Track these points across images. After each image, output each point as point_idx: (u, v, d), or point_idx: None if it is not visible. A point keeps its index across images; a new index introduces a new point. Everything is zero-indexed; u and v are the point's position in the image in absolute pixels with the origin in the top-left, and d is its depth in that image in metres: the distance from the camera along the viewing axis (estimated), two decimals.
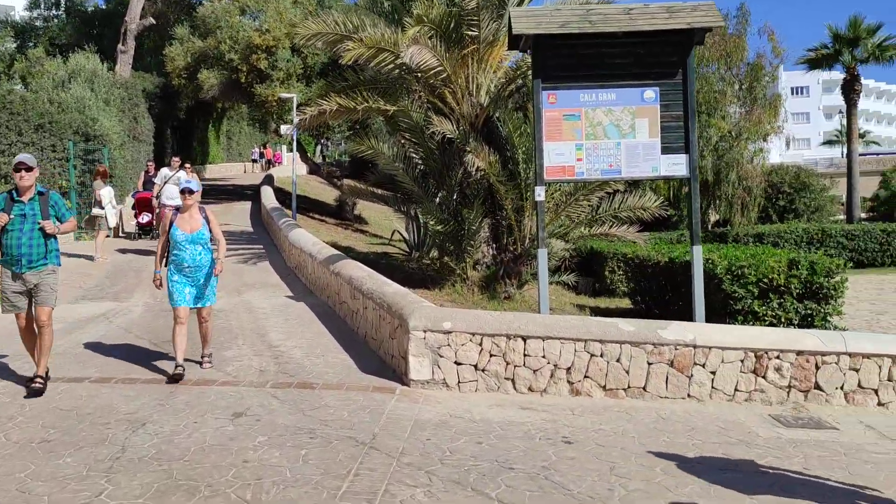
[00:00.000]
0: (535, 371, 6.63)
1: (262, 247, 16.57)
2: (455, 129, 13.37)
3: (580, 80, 8.43)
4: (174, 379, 6.63)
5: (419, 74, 13.32)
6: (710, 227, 32.13)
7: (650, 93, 8.43)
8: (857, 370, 6.61)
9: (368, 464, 4.77)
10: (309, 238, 12.87)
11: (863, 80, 36.53)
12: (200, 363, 7.22)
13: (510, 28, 8.38)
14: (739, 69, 29.82)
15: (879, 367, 6.60)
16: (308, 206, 31.00)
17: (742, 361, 6.62)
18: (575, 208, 13.35)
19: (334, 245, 19.73)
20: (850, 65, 34.14)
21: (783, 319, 11.61)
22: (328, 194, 32.49)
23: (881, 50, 33.21)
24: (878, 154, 62.54)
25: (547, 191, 14.04)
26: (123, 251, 15.21)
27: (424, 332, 6.64)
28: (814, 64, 35.41)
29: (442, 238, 13.99)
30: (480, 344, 6.63)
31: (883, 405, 6.61)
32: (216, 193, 30.90)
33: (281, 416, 5.75)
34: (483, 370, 6.65)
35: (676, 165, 8.43)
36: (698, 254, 8.40)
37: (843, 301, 11.99)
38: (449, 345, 6.63)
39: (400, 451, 5.03)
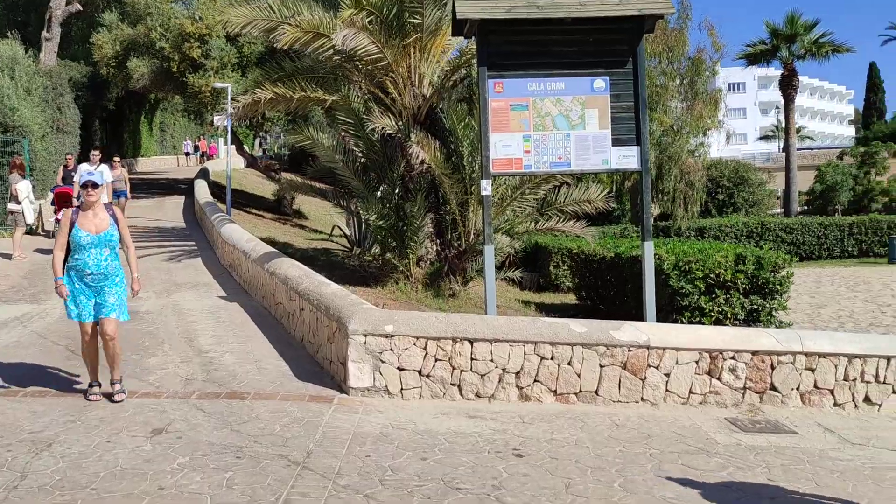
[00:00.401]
0: (482, 376, 6.22)
1: (194, 243, 15.83)
2: (396, 121, 12.89)
3: (528, 69, 8.05)
4: (89, 398, 5.98)
5: (359, 63, 12.79)
6: (652, 220, 32.33)
7: (600, 82, 8.10)
8: (812, 370, 6.39)
9: (301, 487, 4.30)
10: (243, 234, 12.25)
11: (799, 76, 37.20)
12: (111, 395, 5.91)
13: (454, 12, 7.95)
14: (681, 63, 29.96)
15: (835, 366, 6.39)
16: (245, 201, 30.10)
17: (697, 363, 6.33)
18: (521, 202, 13.01)
19: (271, 241, 19.04)
20: (788, 60, 34.72)
21: (729, 315, 11.48)
22: (266, 188, 31.60)
23: (817, 46, 33.84)
24: (812, 149, 64.13)
25: (493, 184, 13.76)
26: (42, 250, 14.31)
27: (365, 335, 6.18)
28: (752, 59, 35.91)
29: (384, 234, 13.49)
30: (425, 348, 6.20)
31: (839, 406, 6.40)
32: (148, 187, 29.76)
33: (206, 431, 5.22)
34: (428, 376, 6.22)
35: (627, 158, 8.12)
36: (649, 250, 8.12)
37: (789, 296, 11.92)
38: (391, 349, 6.18)
39: (336, 472, 4.56)
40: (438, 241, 14.13)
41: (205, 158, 42.58)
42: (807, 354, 6.34)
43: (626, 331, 6.34)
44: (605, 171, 8.20)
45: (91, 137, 30.13)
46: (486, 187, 8.01)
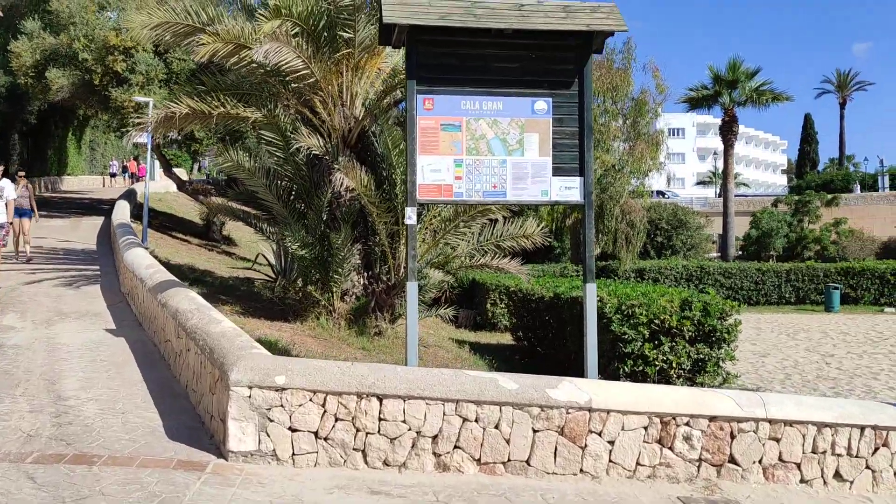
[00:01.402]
0: (392, 440, 5.18)
1: (98, 268, 14.45)
2: (324, 143, 11.88)
3: (462, 85, 7.14)
4: None
5: (285, 79, 11.78)
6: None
7: (542, 104, 7.23)
8: (778, 440, 5.52)
9: None
10: (144, 259, 11.00)
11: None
12: None
13: (381, 17, 7.01)
14: (624, 104, 29.83)
15: (803, 436, 5.54)
16: (173, 225, 28.62)
17: (646, 429, 5.40)
18: (455, 235, 12.08)
19: (190, 268, 17.76)
20: (729, 107, 34.94)
21: (675, 364, 10.71)
22: (196, 213, 30.15)
23: (758, 94, 34.14)
24: (747, 196, 65.19)
25: (422, 214, 12.81)
26: None
27: (250, 388, 5.08)
28: (694, 103, 36.06)
29: (306, 264, 12.39)
30: (324, 404, 5.14)
31: (806, 482, 5.53)
32: (67, 207, 28.05)
33: None
34: (326, 439, 5.15)
35: (569, 189, 7.24)
36: (592, 293, 7.21)
37: (736, 345, 11.21)
38: (282, 405, 5.10)
39: None
40: (366, 274, 13.09)
41: (134, 180, 40.67)
42: (771, 422, 5.47)
43: (564, 389, 5.38)
44: (545, 203, 7.31)
45: (8, 151, 28.31)
46: (411, 216, 7.03)
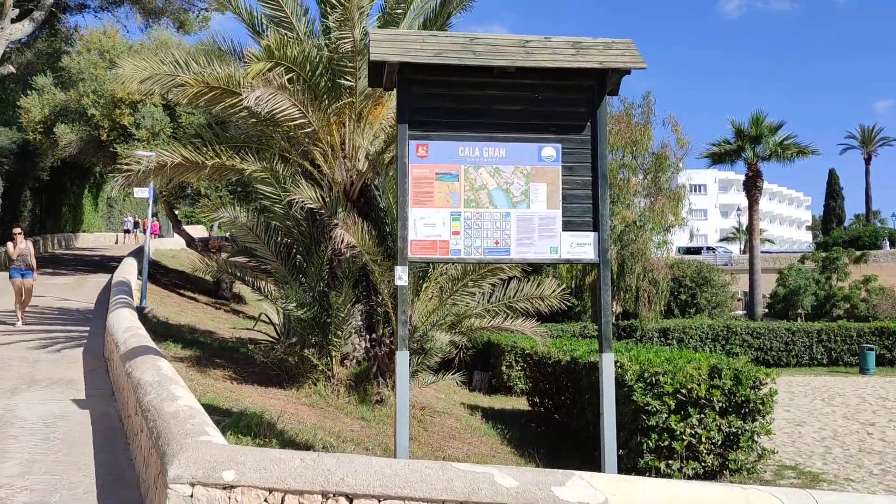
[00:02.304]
0: None
1: (88, 329, 13.71)
2: (322, 196, 11.17)
3: (460, 130, 6.38)
4: None
5: (283, 129, 11.15)
6: (613, 320, 30.81)
7: (550, 150, 6.44)
8: None
9: None
10: (124, 321, 10.22)
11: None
12: None
13: (369, 55, 6.30)
14: (644, 158, 29.12)
15: None
16: (183, 283, 28.02)
17: None
18: (463, 296, 11.23)
19: (191, 328, 16.99)
20: (752, 161, 34.10)
21: (704, 439, 9.69)
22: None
23: (783, 148, 33.29)
24: (772, 252, 63.86)
25: (427, 272, 11.98)
26: None
27: (192, 485, 4.21)
28: (716, 159, 35.27)
29: (303, 326, 11.57)
30: None
31: None
32: (76, 264, 27.59)
33: None
34: None
35: (582, 247, 6.40)
36: (609, 365, 6.30)
37: (773, 418, 10.17)
38: None
39: None
40: (368, 336, 12.23)
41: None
42: None
43: (574, 487, 4.44)
44: (553, 261, 6.46)
45: (18, 208, 28.02)
46: (402, 276, 6.20)
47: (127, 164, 10.99)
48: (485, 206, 6.34)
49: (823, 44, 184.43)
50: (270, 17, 11.24)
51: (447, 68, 6.23)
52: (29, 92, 23.21)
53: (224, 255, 26.02)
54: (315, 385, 11.50)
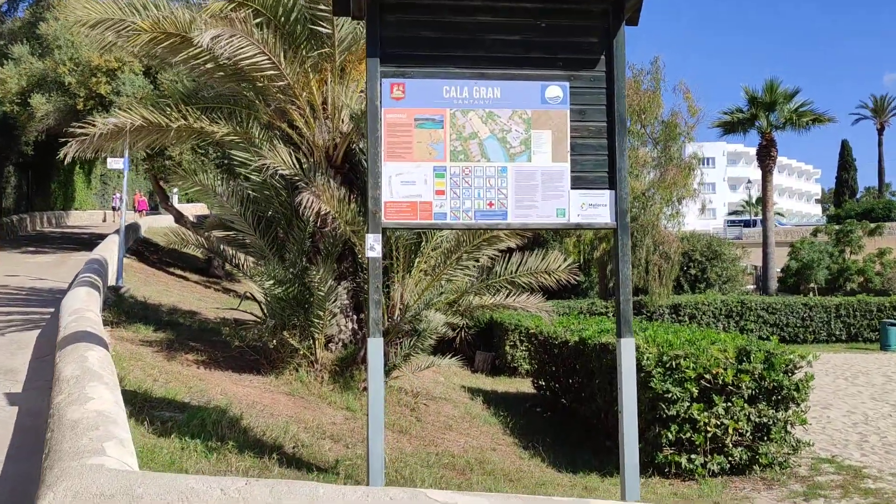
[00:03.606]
0: None
1: (52, 311, 12.59)
2: (299, 161, 9.99)
3: (445, 64, 5.18)
4: None
5: (256, 86, 9.93)
6: None
7: (556, 90, 5.24)
8: None
9: None
10: (78, 300, 9.06)
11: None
12: None
13: None
14: (654, 127, 27.79)
15: None
16: (173, 261, 26.95)
17: None
18: (455, 270, 10.07)
19: (172, 308, 15.90)
20: (766, 130, 32.68)
21: (731, 430, 8.56)
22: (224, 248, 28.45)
23: (798, 115, 31.86)
24: (783, 225, 62.51)
25: (420, 244, 10.82)
26: None
27: None
28: (728, 128, 33.85)
29: (283, 305, 10.44)
30: None
31: None
32: (63, 242, 26.53)
33: None
34: None
35: (595, 208, 5.22)
36: (629, 352, 5.14)
37: (808, 405, 9.03)
38: None
39: None
40: (355, 316, 11.09)
41: (137, 213, 39.07)
42: None
43: None
44: (561, 226, 5.27)
45: (1, 185, 26.90)
46: (374, 246, 5.03)
47: (81, 126, 9.80)
48: (475, 159, 5.15)
49: (830, 19, 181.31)
50: None
51: None
52: (5, 62, 21.97)
53: (218, 234, 24.94)
54: (296, 371, 10.39)
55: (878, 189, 71.86)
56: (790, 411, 8.78)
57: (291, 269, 10.47)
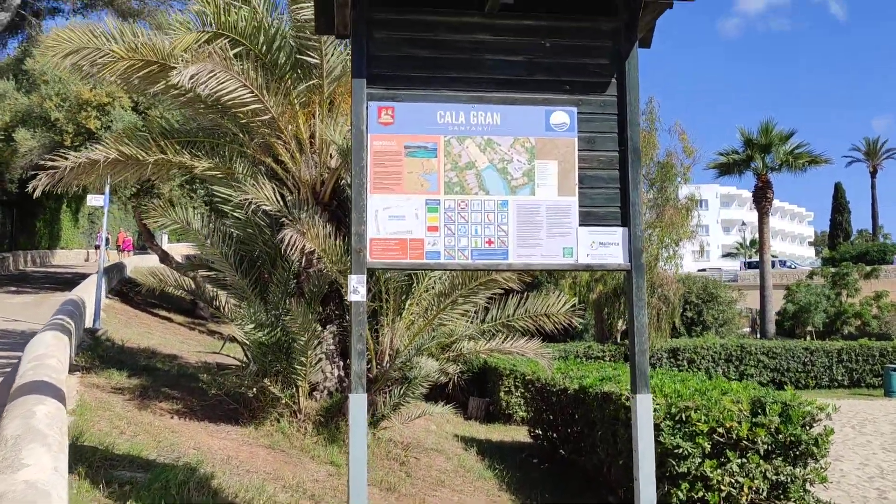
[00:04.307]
0: None
1: (20, 355, 11.90)
2: (283, 197, 9.44)
3: (438, 87, 4.65)
4: None
5: (238, 119, 9.42)
6: (618, 338, 29.02)
7: (562, 116, 4.71)
8: None
9: None
10: (42, 346, 8.40)
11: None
12: None
13: None
14: (650, 168, 27.47)
15: None
16: (159, 301, 26.20)
17: None
18: (452, 314, 9.46)
19: (151, 352, 15.18)
20: (762, 172, 32.40)
21: (746, 489, 7.89)
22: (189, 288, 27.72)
23: (794, 157, 31.59)
24: (778, 269, 62.19)
25: (411, 286, 10.23)
26: None
27: None
28: (724, 169, 33.57)
29: (263, 351, 9.79)
30: None
31: None
32: (44, 282, 25.82)
33: None
34: None
35: (606, 247, 4.65)
36: (646, 411, 4.53)
37: (829, 461, 8.39)
38: None
39: None
40: (342, 363, 10.44)
41: (121, 253, 38.20)
42: None
43: None
44: (569, 267, 4.70)
45: None
46: (357, 288, 4.45)
47: (52, 160, 9.25)
48: (473, 191, 4.60)
49: (822, 61, 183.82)
50: None
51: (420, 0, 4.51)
52: None
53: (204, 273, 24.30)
54: (278, 421, 9.71)
55: (872, 232, 71.71)
56: (809, 468, 8.13)
57: (274, 312, 9.86)
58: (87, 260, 38.62)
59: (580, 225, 4.65)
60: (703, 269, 56.34)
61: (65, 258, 37.54)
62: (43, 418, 4.90)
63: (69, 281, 27.72)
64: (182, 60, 7.30)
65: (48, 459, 4.09)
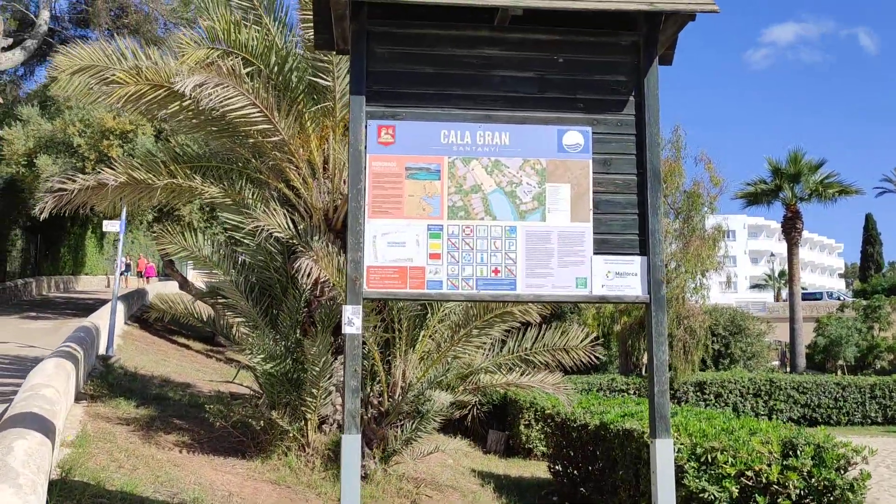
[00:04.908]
0: None
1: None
2: (296, 224, 9.19)
3: (443, 105, 4.35)
4: None
5: (250, 142, 9.21)
6: (643, 370, 28.39)
7: (576, 136, 4.39)
8: None
9: None
10: (43, 375, 8.15)
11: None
12: None
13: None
14: (675, 197, 27.02)
15: None
16: (178, 328, 26.06)
17: None
18: (464, 346, 9.10)
19: (164, 380, 14.94)
20: (791, 202, 31.75)
21: None
22: (206, 315, 27.57)
23: (824, 186, 30.93)
24: (807, 301, 61.03)
25: (425, 317, 9.88)
26: None
27: None
28: (752, 199, 32.95)
29: (272, 382, 9.48)
30: None
31: None
32: (63, 307, 25.81)
33: None
34: None
35: (623, 278, 4.29)
36: (666, 457, 4.13)
37: None
38: None
39: None
40: None
41: (143, 279, 38.21)
42: None
43: None
44: (582, 299, 4.34)
45: (5, 247, 26.36)
46: (352, 320, 4.11)
47: (61, 182, 9.09)
48: (478, 216, 4.27)
49: (851, 94, 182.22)
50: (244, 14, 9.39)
51: (424, 10, 4.23)
52: (13, 123, 21.68)
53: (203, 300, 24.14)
54: (285, 455, 9.36)
55: None
56: None
57: (284, 342, 9.56)
58: (108, 286, 38.70)
59: (595, 253, 4.30)
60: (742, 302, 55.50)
61: (88, 284, 37.67)
62: (20, 455, 4.61)
63: (90, 307, 27.70)
64: (188, 71, 7.09)
65: (16, 501, 3.78)
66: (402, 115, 4.29)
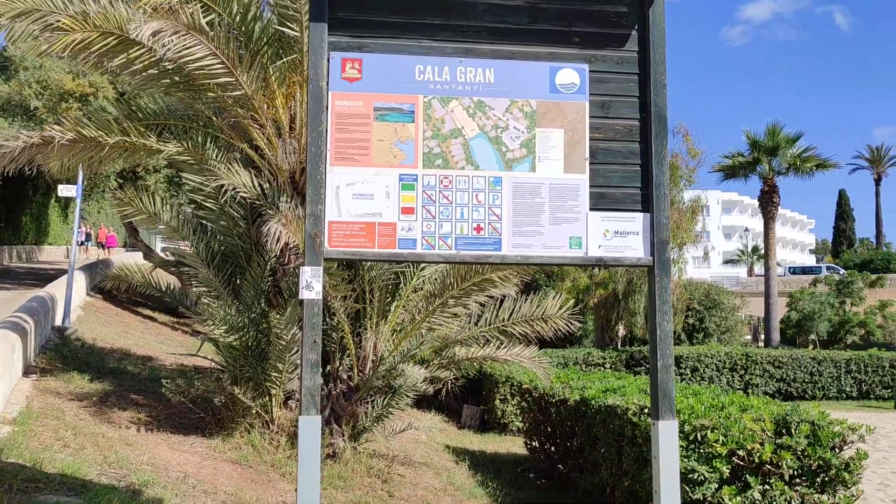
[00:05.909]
0: None
1: None
2: (261, 185, 8.56)
3: (418, 35, 3.75)
4: None
5: (210, 98, 8.52)
6: (618, 343, 28.11)
7: (570, 74, 3.82)
8: None
9: None
10: None
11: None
12: None
13: None
14: None
15: None
16: (144, 300, 25.27)
17: None
18: (440, 317, 8.56)
19: (123, 353, 14.26)
20: (769, 175, 31.48)
21: None
22: (166, 284, 26.76)
23: (802, 160, 30.67)
24: (780, 275, 61.33)
25: (398, 286, 9.32)
26: None
27: None
28: (730, 172, 32.66)
29: (234, 355, 8.90)
30: None
31: None
32: (24, 277, 24.91)
33: None
34: None
35: (624, 237, 3.76)
36: (670, 440, 3.63)
37: (862, 489, 7.48)
38: None
39: None
40: (321, 369, 9.55)
41: (105, 249, 37.04)
42: None
43: None
44: (578, 261, 3.79)
45: None
46: (311, 283, 3.55)
47: (5, 140, 8.37)
48: (458, 165, 3.70)
49: (825, 72, 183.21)
50: None
51: None
52: None
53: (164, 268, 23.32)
54: (248, 433, 8.80)
55: (876, 239, 70.84)
56: (839, 495, 7.23)
57: (248, 313, 8.96)
58: (66, 257, 37.66)
59: (591, 209, 3.76)
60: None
61: (52, 254, 36.62)
62: None
63: (52, 277, 26.77)
64: (145, 16, 6.40)
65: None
66: (371, 47, 3.69)
